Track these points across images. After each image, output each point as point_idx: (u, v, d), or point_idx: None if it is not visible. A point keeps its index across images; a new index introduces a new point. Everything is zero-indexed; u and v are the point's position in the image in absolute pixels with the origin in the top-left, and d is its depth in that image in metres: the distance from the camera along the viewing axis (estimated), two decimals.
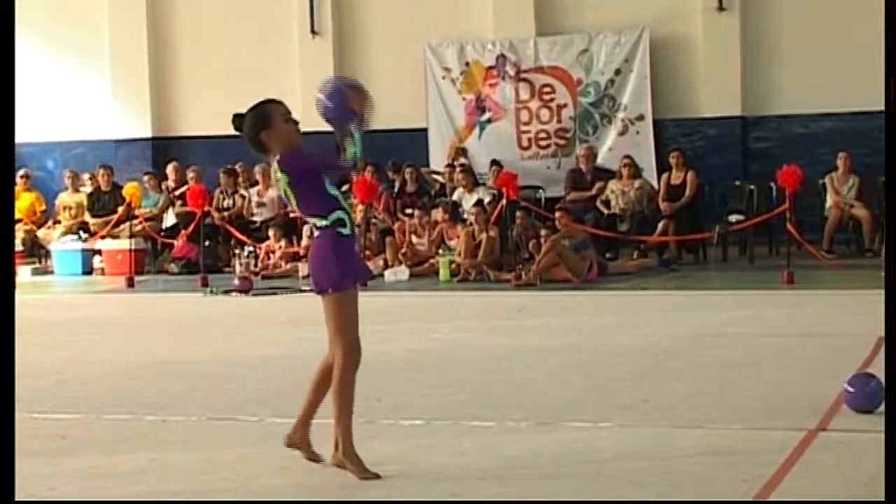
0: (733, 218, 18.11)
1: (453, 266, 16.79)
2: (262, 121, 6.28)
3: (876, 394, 7.10)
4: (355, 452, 6.26)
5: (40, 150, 22.79)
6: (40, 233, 20.55)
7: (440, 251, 17.20)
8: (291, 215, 19.60)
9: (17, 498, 5.98)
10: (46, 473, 6.54)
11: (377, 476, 6.19)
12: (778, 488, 5.82)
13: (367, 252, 17.52)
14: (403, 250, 17.69)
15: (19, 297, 16.83)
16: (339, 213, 6.25)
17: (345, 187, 19.83)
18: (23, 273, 19.01)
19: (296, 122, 6.35)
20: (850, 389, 7.35)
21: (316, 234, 6.39)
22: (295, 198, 6.31)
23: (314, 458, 6.49)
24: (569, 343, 10.73)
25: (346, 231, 6.26)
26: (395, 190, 19.54)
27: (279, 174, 6.28)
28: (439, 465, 6.51)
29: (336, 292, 6.22)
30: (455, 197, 18.65)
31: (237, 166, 19.98)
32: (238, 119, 6.37)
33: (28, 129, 22.58)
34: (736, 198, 18.73)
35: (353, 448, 6.26)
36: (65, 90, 22.77)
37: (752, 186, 18.56)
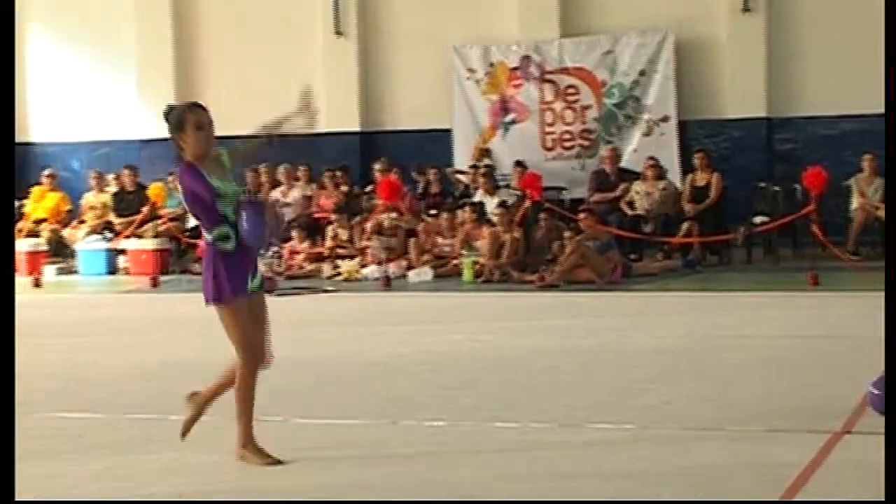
0: (758, 219, 18.01)
1: (477, 267, 16.75)
2: (177, 124, 6.45)
3: None
4: (256, 445, 6.56)
5: (66, 151, 22.86)
6: (65, 232, 20.60)
7: (465, 252, 17.16)
8: (315, 216, 19.65)
9: (33, 497, 6.00)
10: (64, 473, 6.54)
11: (279, 462, 6.48)
12: (802, 490, 5.78)
13: (390, 253, 17.49)
14: (427, 252, 17.65)
15: (44, 296, 16.91)
16: (222, 229, 6.40)
17: (369, 187, 19.90)
18: (48, 273, 19.09)
19: (208, 133, 6.42)
20: (876, 392, 7.30)
21: (204, 245, 6.60)
22: (188, 208, 6.57)
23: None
24: (592, 344, 10.70)
25: (229, 246, 6.42)
26: (420, 191, 19.53)
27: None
28: (460, 465, 6.49)
29: (219, 305, 6.51)
30: (477, 198, 18.61)
31: (261, 167, 20.02)
32: (168, 112, 6.53)
33: (53, 130, 22.68)
34: (760, 199, 18.63)
35: (253, 442, 6.56)
36: (90, 91, 22.81)
37: (777, 188, 18.46)
